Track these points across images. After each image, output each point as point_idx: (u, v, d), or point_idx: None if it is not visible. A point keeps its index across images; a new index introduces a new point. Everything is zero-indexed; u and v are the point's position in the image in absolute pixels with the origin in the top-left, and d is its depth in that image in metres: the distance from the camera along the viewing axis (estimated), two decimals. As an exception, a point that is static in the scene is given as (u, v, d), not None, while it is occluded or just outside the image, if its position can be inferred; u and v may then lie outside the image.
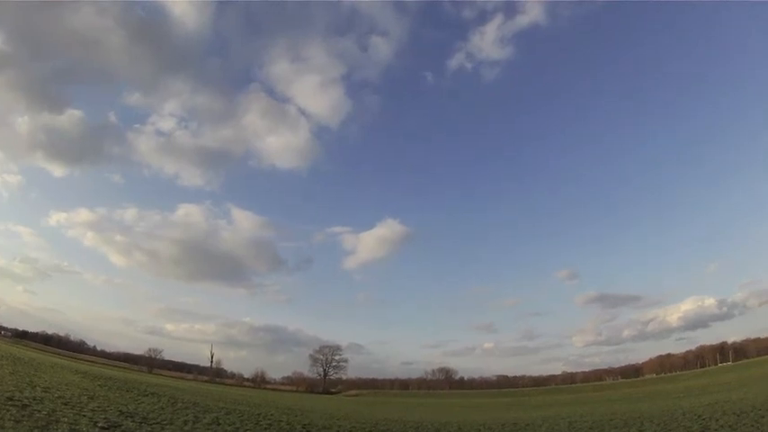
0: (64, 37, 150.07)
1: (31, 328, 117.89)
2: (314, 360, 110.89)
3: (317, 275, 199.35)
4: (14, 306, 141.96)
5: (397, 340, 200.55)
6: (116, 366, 75.22)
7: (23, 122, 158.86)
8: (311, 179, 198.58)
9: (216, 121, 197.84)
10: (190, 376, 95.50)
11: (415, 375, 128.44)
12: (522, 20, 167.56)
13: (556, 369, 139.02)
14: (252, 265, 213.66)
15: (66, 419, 9.04)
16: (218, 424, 12.75)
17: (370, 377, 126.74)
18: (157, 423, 10.85)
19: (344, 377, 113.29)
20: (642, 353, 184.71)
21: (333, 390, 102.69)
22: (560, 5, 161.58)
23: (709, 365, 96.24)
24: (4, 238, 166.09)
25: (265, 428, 13.35)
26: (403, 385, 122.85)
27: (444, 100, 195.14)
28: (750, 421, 13.44)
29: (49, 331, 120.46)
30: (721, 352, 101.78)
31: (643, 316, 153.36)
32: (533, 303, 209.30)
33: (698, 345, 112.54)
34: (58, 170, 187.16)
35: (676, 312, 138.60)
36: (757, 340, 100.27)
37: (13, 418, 8.29)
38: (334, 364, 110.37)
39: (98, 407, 11.76)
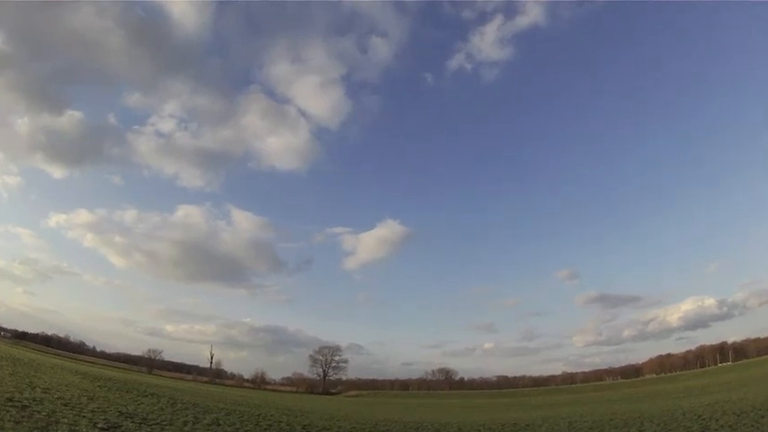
0: (64, 37, 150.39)
1: (31, 329, 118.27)
2: (314, 361, 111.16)
3: (317, 276, 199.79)
4: (14, 307, 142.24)
5: (397, 341, 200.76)
6: (116, 367, 75.23)
7: (23, 123, 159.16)
8: (311, 180, 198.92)
9: (216, 122, 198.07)
10: (189, 377, 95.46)
11: (415, 376, 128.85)
12: (522, 20, 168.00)
13: (556, 369, 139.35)
14: (252, 265, 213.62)
15: (65, 420, 9.04)
16: (218, 425, 12.74)
17: (371, 378, 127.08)
18: (157, 424, 10.84)
19: (344, 378, 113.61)
20: (642, 353, 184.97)
21: (333, 390, 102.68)
22: (560, 6, 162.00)
23: (709, 365, 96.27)
24: (3, 239, 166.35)
25: (265, 429, 13.34)
26: (403, 386, 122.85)
27: (444, 100, 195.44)
28: (750, 421, 13.44)
29: (49, 332, 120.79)
30: (721, 352, 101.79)
31: (643, 316, 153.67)
32: (533, 303, 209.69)
33: (698, 345, 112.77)
34: (57, 171, 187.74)
35: (676, 312, 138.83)
36: (757, 340, 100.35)
37: (12, 419, 8.29)
38: (334, 364, 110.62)
39: (98, 408, 11.75)
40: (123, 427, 9.59)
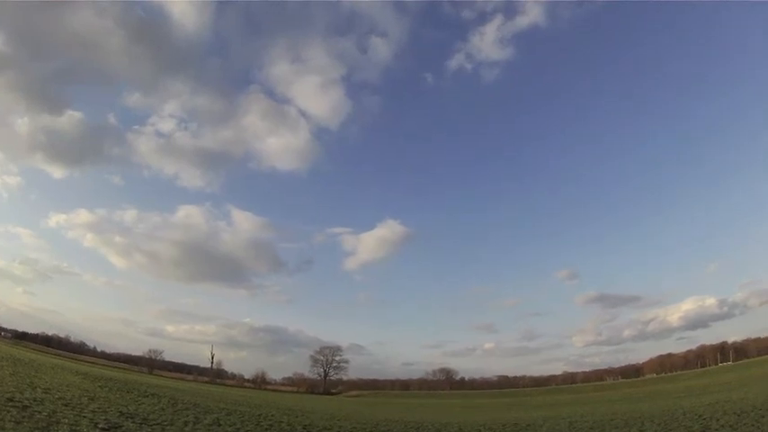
0: (64, 38, 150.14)
1: (32, 330, 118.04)
2: (314, 361, 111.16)
3: (318, 276, 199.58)
4: (14, 307, 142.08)
5: (397, 341, 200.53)
6: (116, 367, 75.23)
7: (23, 124, 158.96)
8: (311, 180, 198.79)
9: (216, 123, 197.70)
10: (190, 377, 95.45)
11: (415, 376, 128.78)
12: (522, 20, 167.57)
13: (556, 369, 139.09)
14: (252, 266, 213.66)
15: (66, 421, 9.05)
16: (219, 425, 12.74)
17: (371, 378, 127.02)
18: (158, 424, 10.85)
19: (345, 378, 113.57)
20: (643, 353, 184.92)
21: (333, 390, 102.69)
22: (560, 6, 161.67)
23: (709, 365, 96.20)
24: (3, 239, 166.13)
25: (266, 429, 13.35)
26: (404, 386, 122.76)
27: (444, 100, 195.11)
28: (751, 421, 13.43)
29: (50, 332, 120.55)
30: (722, 352, 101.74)
31: (643, 316, 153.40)
32: (533, 303, 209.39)
33: (698, 344, 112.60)
34: (57, 171, 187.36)
35: (677, 312, 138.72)
36: (758, 340, 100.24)
37: (13, 420, 8.30)
38: (334, 364, 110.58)
39: (98, 408, 11.76)
40: (124, 428, 9.60)
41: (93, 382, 20.40)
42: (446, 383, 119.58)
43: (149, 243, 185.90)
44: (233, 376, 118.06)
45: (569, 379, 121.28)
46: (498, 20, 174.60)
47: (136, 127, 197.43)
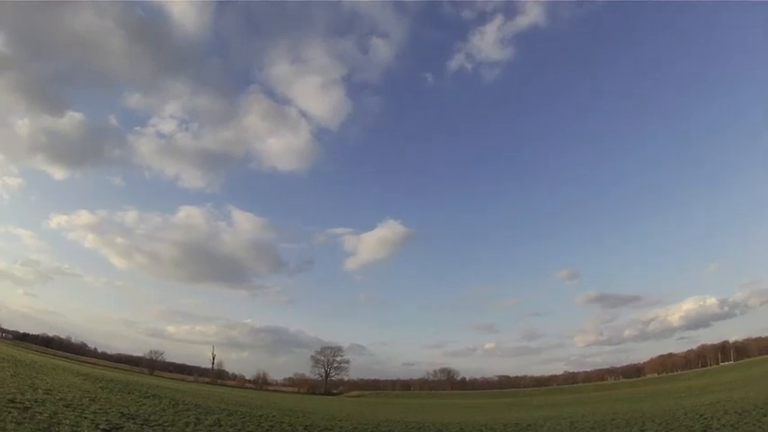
0: (64, 38, 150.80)
1: (32, 331, 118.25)
2: (315, 361, 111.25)
3: (318, 276, 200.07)
4: (15, 309, 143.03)
5: (398, 341, 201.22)
6: (117, 368, 75.27)
7: (24, 125, 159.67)
8: (312, 180, 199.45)
9: (216, 123, 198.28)
10: (191, 378, 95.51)
11: (416, 376, 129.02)
12: (522, 20, 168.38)
13: (557, 369, 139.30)
14: (253, 266, 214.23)
15: (67, 422, 9.05)
16: (220, 425, 12.74)
17: (372, 378, 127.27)
18: (159, 425, 10.86)
19: (346, 378, 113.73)
20: (643, 352, 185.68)
21: (334, 391, 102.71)
22: (560, 6, 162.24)
23: (710, 365, 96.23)
24: (4, 240, 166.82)
25: (267, 430, 13.34)
26: (405, 386, 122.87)
27: (444, 101, 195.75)
28: (752, 420, 13.41)
29: (50, 333, 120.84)
30: (723, 351, 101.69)
31: (644, 316, 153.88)
32: (534, 303, 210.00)
33: (699, 344, 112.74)
34: (58, 173, 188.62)
35: (677, 312, 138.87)
36: (759, 339, 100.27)
37: (14, 421, 8.30)
38: (335, 365, 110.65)
39: (99, 409, 11.77)
40: (125, 429, 9.60)
41: (95, 383, 20.41)
42: (447, 383, 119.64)
43: (150, 244, 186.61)
44: (234, 377, 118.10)
45: (570, 379, 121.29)
46: (498, 20, 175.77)
47: (137, 128, 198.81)
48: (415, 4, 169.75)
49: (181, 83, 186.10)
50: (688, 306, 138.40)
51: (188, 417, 13.55)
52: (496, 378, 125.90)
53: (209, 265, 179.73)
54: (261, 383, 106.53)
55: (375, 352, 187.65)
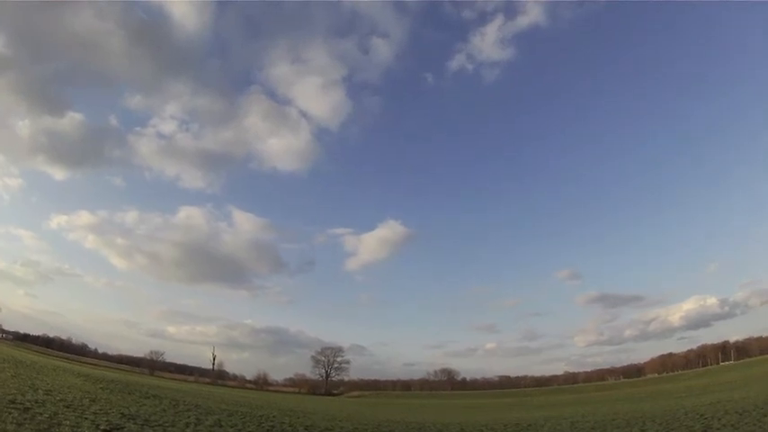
0: (64, 39, 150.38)
1: (33, 332, 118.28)
2: (316, 362, 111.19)
3: (319, 277, 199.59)
4: (16, 309, 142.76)
5: (398, 341, 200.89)
6: (118, 369, 75.31)
7: (24, 125, 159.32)
8: (312, 181, 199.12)
9: (217, 124, 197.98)
10: (191, 378, 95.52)
11: (417, 376, 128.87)
12: (523, 21, 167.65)
13: (558, 369, 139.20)
14: (253, 266, 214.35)
15: (68, 422, 9.06)
16: (221, 426, 12.75)
17: (372, 378, 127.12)
18: (159, 425, 10.86)
19: (346, 378, 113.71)
20: (644, 352, 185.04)
21: (335, 391, 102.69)
22: (560, 6, 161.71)
23: (711, 365, 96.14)
24: (5, 241, 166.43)
25: (268, 430, 13.35)
26: (405, 386, 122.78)
27: (445, 101, 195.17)
28: (752, 420, 13.40)
29: (51, 334, 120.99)
30: (723, 351, 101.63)
31: (644, 316, 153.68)
32: (534, 303, 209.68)
33: (700, 344, 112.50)
34: (59, 173, 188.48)
35: (678, 312, 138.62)
36: (759, 339, 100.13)
37: (15, 422, 8.31)
38: (336, 365, 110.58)
39: (100, 410, 11.78)
40: (125, 429, 9.61)
41: (95, 384, 20.42)
42: (447, 384, 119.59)
43: (150, 244, 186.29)
44: (234, 377, 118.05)
45: (571, 379, 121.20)
46: (499, 20, 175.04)
47: (137, 128, 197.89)
48: (416, 4, 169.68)
49: (181, 83, 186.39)
50: (688, 306, 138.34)
51: (188, 417, 13.56)
52: (497, 378, 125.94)
53: (210, 265, 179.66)
54: (261, 384, 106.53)
55: (375, 352, 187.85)
